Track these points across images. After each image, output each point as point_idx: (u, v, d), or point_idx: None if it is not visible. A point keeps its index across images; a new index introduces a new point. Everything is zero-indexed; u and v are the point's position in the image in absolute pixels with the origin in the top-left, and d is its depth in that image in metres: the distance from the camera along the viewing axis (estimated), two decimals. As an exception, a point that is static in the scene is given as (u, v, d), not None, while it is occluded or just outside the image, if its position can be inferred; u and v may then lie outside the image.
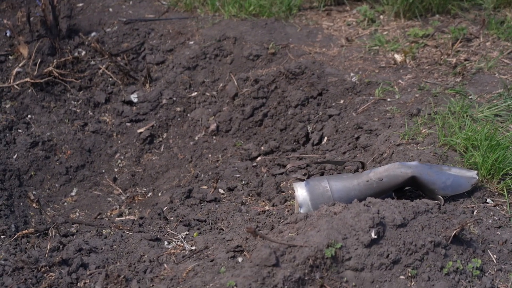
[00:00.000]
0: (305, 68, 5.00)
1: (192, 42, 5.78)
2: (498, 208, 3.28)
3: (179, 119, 5.32)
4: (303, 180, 3.47)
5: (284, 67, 5.07)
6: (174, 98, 5.40)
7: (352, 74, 4.94)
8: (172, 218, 3.96)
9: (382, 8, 6.03)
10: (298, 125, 4.76)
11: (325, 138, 4.61)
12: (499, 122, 4.03)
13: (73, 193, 4.89)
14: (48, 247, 3.38)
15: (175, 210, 4.09)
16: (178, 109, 5.36)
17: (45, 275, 3.14)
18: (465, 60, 4.96)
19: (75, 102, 5.50)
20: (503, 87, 4.46)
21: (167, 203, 4.27)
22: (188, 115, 5.33)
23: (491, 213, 3.23)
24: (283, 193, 4.10)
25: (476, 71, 4.77)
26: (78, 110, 5.46)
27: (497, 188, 3.40)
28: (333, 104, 4.79)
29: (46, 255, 3.30)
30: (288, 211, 3.76)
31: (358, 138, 4.33)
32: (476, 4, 5.88)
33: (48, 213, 4.48)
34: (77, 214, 4.59)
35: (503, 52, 5.02)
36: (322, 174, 4.19)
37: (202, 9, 6.27)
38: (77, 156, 5.13)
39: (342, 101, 4.77)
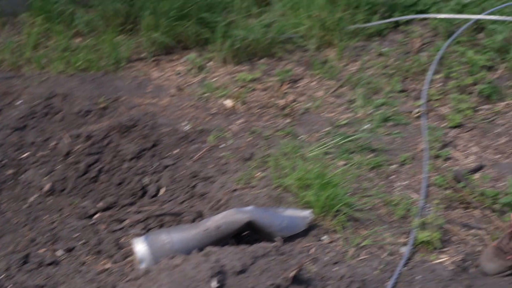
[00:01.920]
0: (137, 120, 4.98)
1: (20, 102, 5.62)
2: (333, 244, 3.38)
3: (10, 182, 5.14)
4: (142, 234, 3.44)
5: (116, 121, 5.02)
6: (5, 161, 5.22)
7: (184, 123, 4.96)
8: (10, 286, 3.80)
9: (211, 55, 6.11)
10: (134, 179, 4.72)
11: (162, 189, 4.58)
12: (329, 159, 4.16)
13: None
14: None
15: (12, 277, 3.93)
16: (10, 171, 5.19)
17: None
18: (293, 101, 5.10)
19: None
20: (330, 125, 4.62)
21: (4, 270, 4.09)
22: (21, 176, 5.16)
23: (327, 249, 3.31)
24: (124, 249, 4.04)
25: (304, 111, 4.92)
26: None
27: (331, 225, 3.50)
28: (168, 154, 4.79)
29: None
30: (130, 267, 3.70)
31: (194, 186, 4.34)
32: (300, 46, 6.07)
33: None
34: None
35: (327, 91, 5.21)
36: (161, 226, 4.16)
37: (28, 67, 6.12)
38: None
39: (176, 151, 4.77)
